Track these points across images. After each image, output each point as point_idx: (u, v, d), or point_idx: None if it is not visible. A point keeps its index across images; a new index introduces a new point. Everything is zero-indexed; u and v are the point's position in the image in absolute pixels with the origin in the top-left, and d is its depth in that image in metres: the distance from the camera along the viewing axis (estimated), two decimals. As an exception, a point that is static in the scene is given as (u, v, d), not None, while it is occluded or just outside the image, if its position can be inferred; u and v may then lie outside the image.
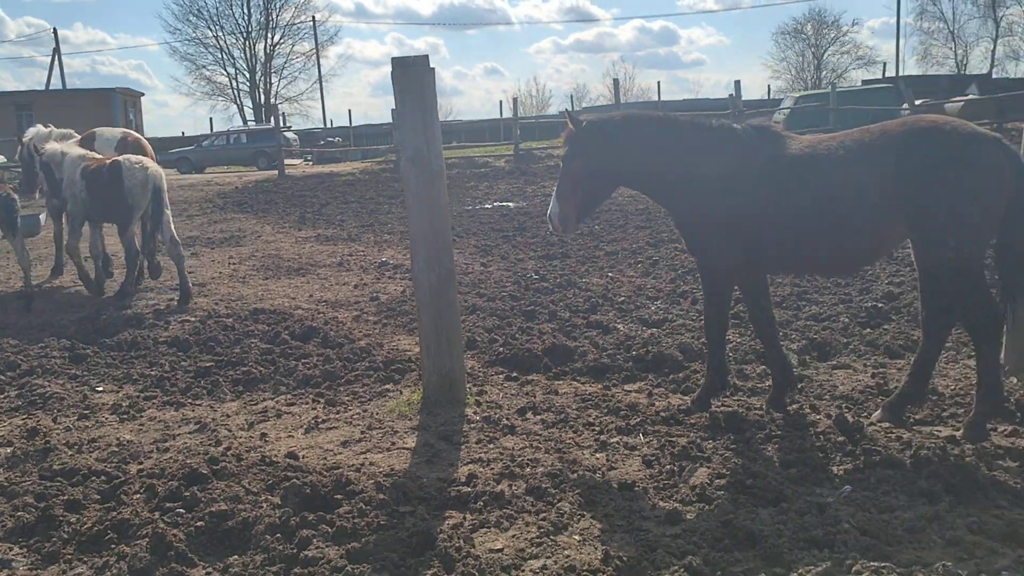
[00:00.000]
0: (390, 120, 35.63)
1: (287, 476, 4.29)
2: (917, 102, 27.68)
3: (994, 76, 50.18)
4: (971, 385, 4.90)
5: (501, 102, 53.38)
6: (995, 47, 70.32)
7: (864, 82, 50.23)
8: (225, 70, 68.67)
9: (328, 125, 58.50)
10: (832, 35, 76.15)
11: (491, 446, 4.79)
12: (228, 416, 5.55)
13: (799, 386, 5.45)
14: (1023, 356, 5.62)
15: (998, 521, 3.61)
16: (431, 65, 5.02)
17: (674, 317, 7.58)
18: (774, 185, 4.77)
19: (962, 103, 30.52)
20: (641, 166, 5.06)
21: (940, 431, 4.78)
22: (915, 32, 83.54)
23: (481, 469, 4.44)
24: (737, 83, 26.62)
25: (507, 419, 5.17)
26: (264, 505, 4.02)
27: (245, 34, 67.75)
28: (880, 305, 7.51)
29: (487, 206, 17.86)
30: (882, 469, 4.19)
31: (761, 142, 4.90)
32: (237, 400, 5.90)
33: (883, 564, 3.24)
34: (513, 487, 4.19)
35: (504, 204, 18.16)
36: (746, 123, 5.06)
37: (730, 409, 5.20)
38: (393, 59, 4.96)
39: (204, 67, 68.22)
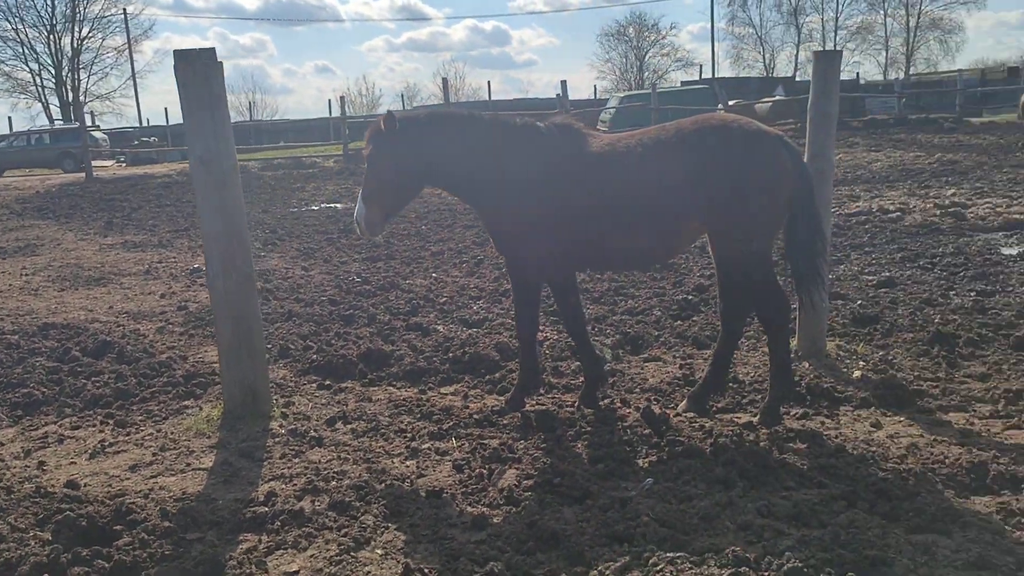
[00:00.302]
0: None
1: (61, 508, 3.89)
2: (731, 102, 29.37)
3: (797, 79, 53.99)
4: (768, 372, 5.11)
5: (330, 101, 52.18)
6: (798, 52, 76.44)
7: (683, 83, 52.91)
8: (27, 66, 63.70)
9: (144, 124, 55.34)
10: (653, 38, 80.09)
11: (296, 461, 4.54)
12: (2, 444, 5.00)
13: (611, 381, 5.52)
14: (814, 342, 5.97)
15: (785, 502, 3.74)
16: (219, 59, 4.71)
17: (494, 316, 7.55)
18: (576, 183, 4.78)
19: (770, 103, 32.67)
20: (445, 165, 4.97)
21: (739, 418, 4.96)
22: (728, 37, 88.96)
23: (282, 486, 4.20)
24: (563, 83, 27.26)
25: (315, 430, 4.93)
26: (32, 542, 3.61)
27: (49, 27, 63.08)
28: (691, 297, 7.79)
29: (314, 208, 17.36)
30: (684, 459, 4.26)
31: (563, 140, 4.90)
32: (15, 426, 5.32)
33: (678, 554, 3.28)
34: (315, 503, 3.98)
35: (332, 205, 17.70)
36: (549, 121, 5.05)
37: (543, 408, 5.19)
38: (175, 52, 4.60)
39: (3, 62, 63.07)
